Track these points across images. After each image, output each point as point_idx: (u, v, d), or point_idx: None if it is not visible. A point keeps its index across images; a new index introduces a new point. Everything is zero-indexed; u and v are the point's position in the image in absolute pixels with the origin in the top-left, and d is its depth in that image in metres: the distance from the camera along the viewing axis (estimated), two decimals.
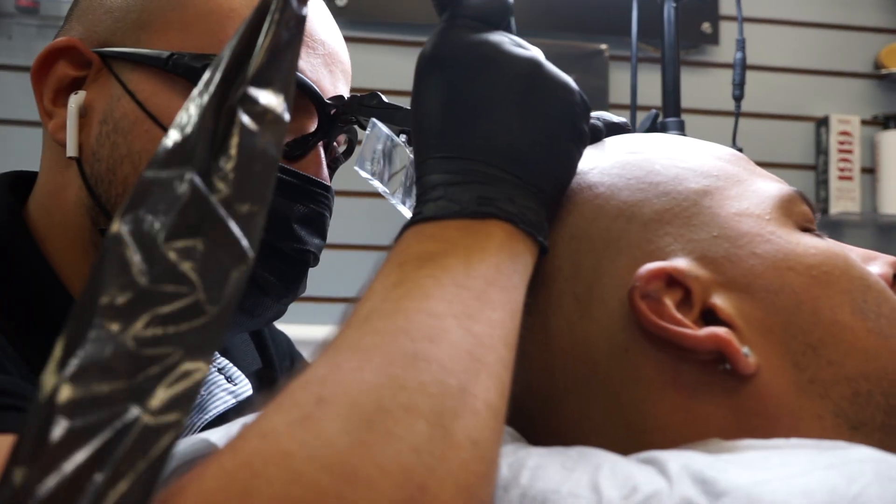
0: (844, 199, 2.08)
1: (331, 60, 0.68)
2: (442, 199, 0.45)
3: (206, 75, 0.42)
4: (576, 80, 0.50)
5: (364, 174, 0.62)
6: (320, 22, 0.69)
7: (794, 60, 2.17)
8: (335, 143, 0.72)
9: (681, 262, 0.47)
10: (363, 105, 0.66)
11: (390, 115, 0.64)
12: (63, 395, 0.34)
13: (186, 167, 0.40)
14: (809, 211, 0.51)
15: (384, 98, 0.66)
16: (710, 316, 0.47)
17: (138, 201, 0.39)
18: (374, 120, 0.62)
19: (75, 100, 0.66)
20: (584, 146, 0.50)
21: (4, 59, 2.09)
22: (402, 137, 0.63)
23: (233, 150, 0.41)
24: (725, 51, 2.14)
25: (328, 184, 0.69)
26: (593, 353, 0.47)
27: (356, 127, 0.70)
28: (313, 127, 0.67)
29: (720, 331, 0.45)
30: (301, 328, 1.14)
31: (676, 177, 0.50)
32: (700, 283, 0.47)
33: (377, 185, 0.62)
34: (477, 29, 0.49)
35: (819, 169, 2.16)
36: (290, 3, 0.46)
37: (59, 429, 0.34)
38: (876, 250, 0.54)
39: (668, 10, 1.17)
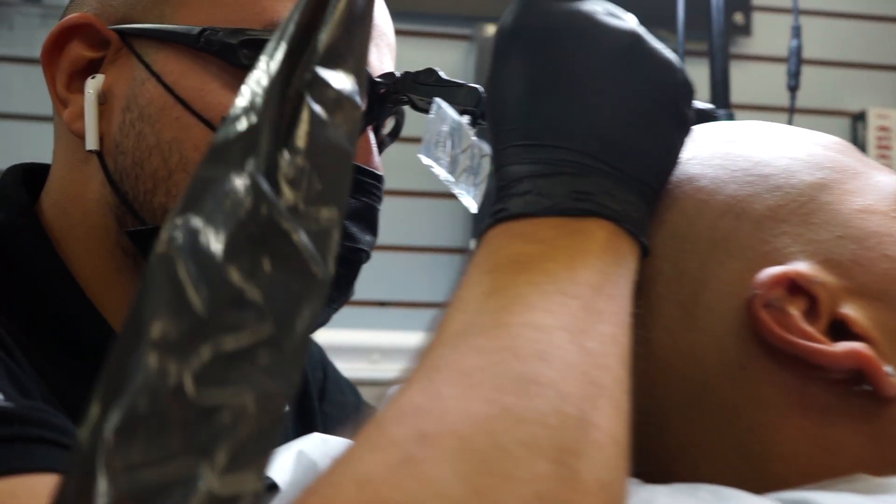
0: None
1: (376, 34, 0.62)
2: (530, 194, 0.40)
3: (268, 49, 0.35)
4: None
5: (427, 161, 0.55)
6: None
7: (828, 53, 2.10)
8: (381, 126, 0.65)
9: (803, 266, 0.42)
10: (418, 83, 0.59)
11: (452, 93, 0.57)
12: (106, 453, 0.27)
13: (249, 163, 0.33)
14: None
15: (441, 74, 0.59)
16: (837, 328, 0.42)
17: (191, 206, 0.32)
18: (438, 101, 0.56)
19: (93, 84, 0.59)
20: (688, 132, 0.45)
21: (5, 49, 2.02)
22: (465, 118, 0.56)
23: (301, 143, 0.34)
24: (758, 42, 2.08)
25: (380, 172, 0.62)
26: (702, 370, 0.43)
27: (405, 107, 0.63)
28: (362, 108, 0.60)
29: (859, 346, 0.40)
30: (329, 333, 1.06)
31: (787, 169, 0.45)
32: (827, 291, 0.42)
33: (440, 173, 0.56)
34: None
35: None
36: None
37: (102, 497, 0.27)
38: None
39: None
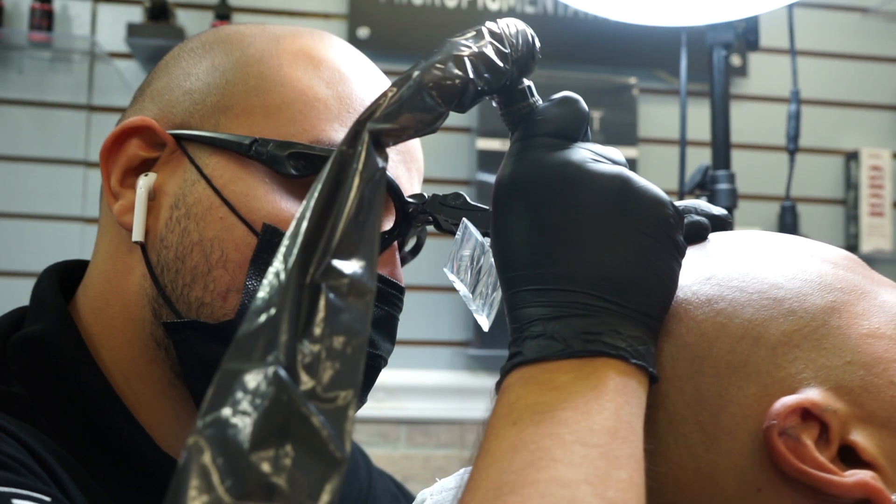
0: (876, 236, 2.04)
1: (409, 158, 0.67)
2: (542, 337, 0.43)
3: (284, 245, 0.39)
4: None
5: (451, 277, 0.59)
6: None
7: (822, 92, 2.13)
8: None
9: (815, 394, 0.45)
10: (445, 204, 0.63)
11: (473, 216, 0.61)
12: None
13: (270, 357, 0.36)
14: None
15: (467, 198, 0.63)
16: (846, 453, 0.44)
17: (220, 400, 0.36)
18: (466, 222, 0.59)
19: (145, 182, 0.63)
20: (682, 258, 0.48)
21: (15, 93, 2.05)
22: (488, 240, 0.60)
23: (318, 331, 0.38)
24: (754, 83, 2.10)
25: (402, 284, 0.66)
26: (722, 491, 0.45)
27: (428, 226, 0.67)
28: (390, 224, 0.64)
29: (867, 477, 0.42)
30: None
31: (800, 292, 0.48)
32: (838, 419, 0.44)
33: (461, 289, 0.59)
34: (555, 146, 0.47)
35: (849, 204, 2.12)
36: (371, 154, 0.42)
37: None
38: None
39: (718, 57, 1.12)
